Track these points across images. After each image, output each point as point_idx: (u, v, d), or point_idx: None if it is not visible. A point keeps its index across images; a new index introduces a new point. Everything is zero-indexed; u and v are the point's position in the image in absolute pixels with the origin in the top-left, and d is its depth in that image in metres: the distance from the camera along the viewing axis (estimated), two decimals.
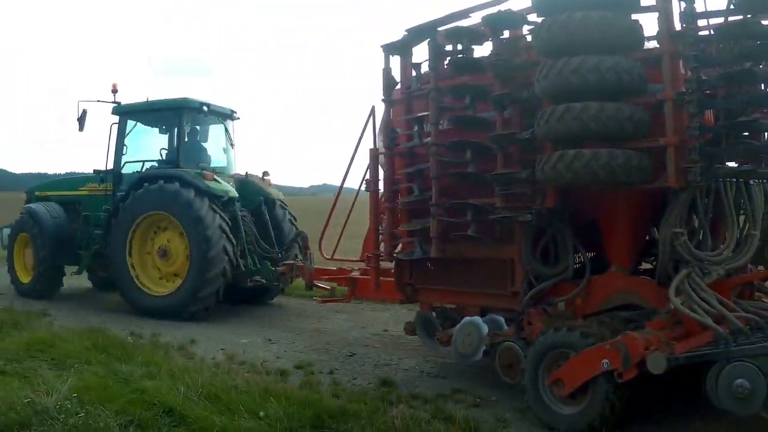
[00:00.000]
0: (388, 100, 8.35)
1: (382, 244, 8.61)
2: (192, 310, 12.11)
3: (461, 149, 7.46)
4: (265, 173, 14.69)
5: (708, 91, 6.56)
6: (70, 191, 15.06)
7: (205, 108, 13.63)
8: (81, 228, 14.24)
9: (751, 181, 6.92)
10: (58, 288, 14.86)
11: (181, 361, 8.42)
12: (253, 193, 13.96)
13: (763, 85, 6.75)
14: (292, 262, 12.31)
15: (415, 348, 9.61)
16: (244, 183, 14.14)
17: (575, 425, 6.38)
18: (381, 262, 8.90)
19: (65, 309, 13.15)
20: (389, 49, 8.22)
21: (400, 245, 8.54)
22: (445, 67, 7.82)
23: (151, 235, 12.99)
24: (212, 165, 14.25)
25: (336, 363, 8.71)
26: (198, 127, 14.26)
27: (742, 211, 7.05)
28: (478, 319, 7.66)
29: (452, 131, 7.65)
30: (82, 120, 14.22)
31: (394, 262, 8.61)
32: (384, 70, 8.29)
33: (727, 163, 6.71)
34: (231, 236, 12.28)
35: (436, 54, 7.74)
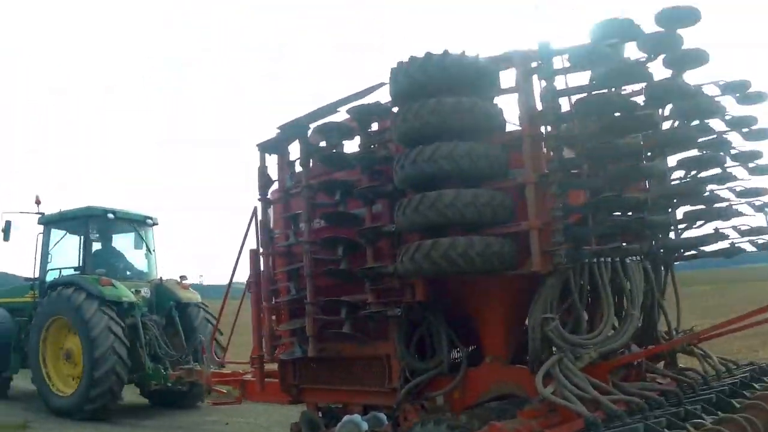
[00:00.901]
0: (264, 199, 7.58)
1: (264, 345, 7.67)
2: (87, 410, 11.64)
3: (333, 246, 6.58)
4: (183, 277, 14.09)
5: (574, 171, 5.83)
6: (16, 298, 14.68)
7: (110, 215, 13.25)
8: (24, 333, 13.74)
9: (629, 260, 6.08)
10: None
11: None
12: (166, 298, 13.37)
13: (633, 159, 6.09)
14: (190, 366, 11.18)
15: None
16: (159, 288, 13.56)
17: None
18: (267, 364, 7.95)
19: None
20: (264, 147, 7.45)
21: (283, 346, 7.60)
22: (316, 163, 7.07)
23: (62, 338, 12.59)
24: (132, 271, 13.93)
25: None
26: (109, 234, 13.98)
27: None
28: (357, 417, 6.58)
29: (325, 229, 6.85)
30: (6, 231, 14.04)
31: (277, 363, 7.69)
32: (259, 168, 7.51)
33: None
34: (124, 339, 11.72)
35: (306, 150, 6.97)
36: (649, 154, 6.30)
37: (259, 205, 7.59)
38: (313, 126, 6.97)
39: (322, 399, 7.40)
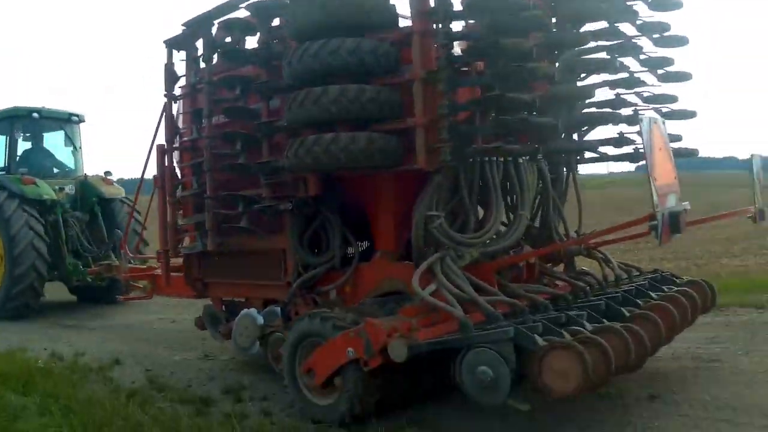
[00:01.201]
0: (170, 95, 7.51)
1: (168, 239, 7.72)
2: (9, 308, 11.65)
3: (232, 140, 6.56)
4: (107, 173, 13.93)
5: (464, 69, 5.81)
6: None
7: (35, 115, 13.10)
8: None
9: (521, 160, 6.03)
10: None
11: (89, 391, 6.67)
12: (90, 194, 13.23)
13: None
14: (109, 261, 11.37)
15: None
16: (83, 184, 13.39)
17: (329, 417, 5.53)
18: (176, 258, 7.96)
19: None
20: (171, 44, 7.34)
21: (188, 240, 7.77)
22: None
23: None
24: (59, 168, 13.88)
25: (275, 387, 6.54)
26: (36, 134, 13.84)
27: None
28: (253, 311, 6.75)
29: (228, 124, 6.81)
30: None
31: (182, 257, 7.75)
32: (166, 65, 7.41)
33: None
34: (44, 236, 11.69)
35: (209, 47, 6.86)
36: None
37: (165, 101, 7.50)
38: (217, 22, 6.86)
39: (225, 293, 7.50)
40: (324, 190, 6.21)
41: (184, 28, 7.10)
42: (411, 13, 5.67)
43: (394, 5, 5.86)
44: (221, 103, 6.78)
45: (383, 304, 5.84)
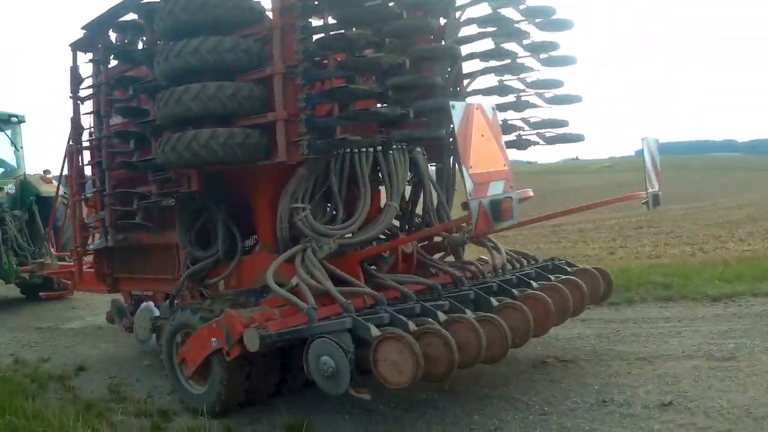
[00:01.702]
0: (75, 96, 7.73)
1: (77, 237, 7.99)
2: None
3: (126, 139, 6.78)
4: (46, 171, 14.08)
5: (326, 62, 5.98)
6: None
7: None
8: None
9: (391, 150, 6.11)
10: None
11: (42, 404, 6.19)
12: (29, 193, 13.39)
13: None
14: (42, 260, 11.56)
15: None
16: (23, 183, 13.57)
17: (203, 405, 5.71)
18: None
19: None
20: (76, 46, 7.51)
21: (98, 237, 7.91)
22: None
23: None
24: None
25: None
26: None
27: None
28: (150, 304, 7.01)
29: (126, 123, 7.00)
30: None
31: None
32: (71, 67, 7.61)
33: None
34: None
35: (105, 48, 7.11)
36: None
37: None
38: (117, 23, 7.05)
39: (132, 287, 7.71)
40: (207, 185, 6.35)
41: (84, 30, 7.27)
42: (272, 8, 5.81)
43: (259, 2, 6.00)
44: (117, 103, 6.96)
45: (257, 294, 5.98)
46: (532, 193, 6.34)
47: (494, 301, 5.70)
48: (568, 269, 6.93)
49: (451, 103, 4.75)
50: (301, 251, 5.59)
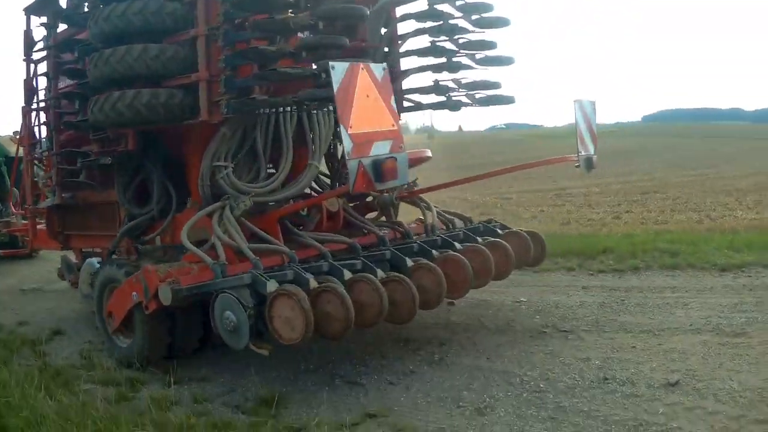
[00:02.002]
0: (28, 59, 7.97)
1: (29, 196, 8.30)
2: None
3: (71, 99, 7.04)
4: (16, 132, 14.11)
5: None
6: None
7: None
8: None
9: (315, 110, 6.22)
10: None
11: (7, 371, 5.93)
12: None
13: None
14: (8, 219, 11.87)
15: None
16: None
17: (128, 357, 6.02)
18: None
19: None
20: (29, 10, 7.74)
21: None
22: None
23: None
24: None
25: (216, 367, 6.08)
26: None
27: None
28: (93, 260, 7.23)
29: (72, 85, 7.13)
30: None
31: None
32: (24, 31, 7.85)
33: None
34: None
35: (54, 12, 7.31)
36: None
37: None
38: None
39: (82, 244, 8.00)
40: (143, 144, 6.54)
41: None
42: None
43: None
44: (64, 65, 7.17)
45: (181, 250, 6.16)
46: (429, 154, 6.37)
47: (409, 262, 5.83)
48: (500, 231, 6.99)
49: (330, 63, 4.83)
50: (219, 208, 5.77)
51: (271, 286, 4.95)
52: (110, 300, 6.10)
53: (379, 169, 4.95)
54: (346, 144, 4.83)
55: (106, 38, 6.05)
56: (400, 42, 7.16)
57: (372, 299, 5.14)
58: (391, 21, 7.18)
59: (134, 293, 5.69)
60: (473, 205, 18.82)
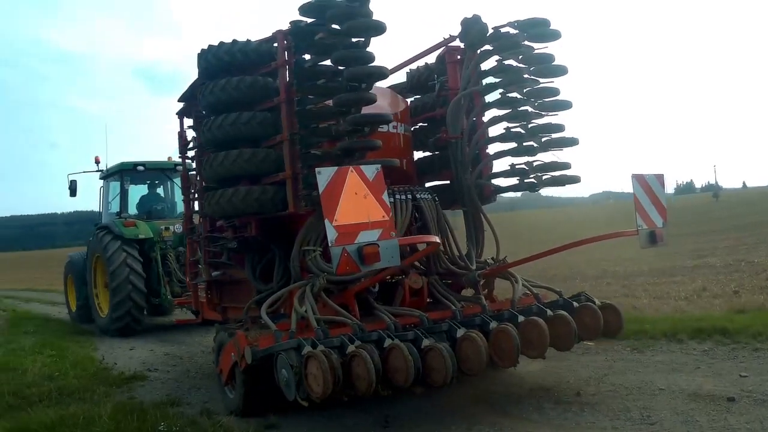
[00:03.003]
0: (182, 156, 9.56)
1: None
2: (113, 328, 14.19)
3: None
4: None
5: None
6: None
7: (140, 168, 15.84)
8: None
9: (392, 199, 7.07)
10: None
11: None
12: None
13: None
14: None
15: None
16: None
17: (233, 408, 7.20)
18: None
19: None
20: (181, 113, 9.26)
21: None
22: None
23: (103, 271, 15.02)
24: (168, 210, 16.52)
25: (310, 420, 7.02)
26: (149, 182, 16.55)
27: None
28: None
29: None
30: (73, 189, 17.29)
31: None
32: (178, 132, 9.38)
33: None
34: (140, 272, 14.06)
35: (197, 115, 8.47)
36: None
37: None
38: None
39: (236, 315, 8.95)
40: (265, 230, 7.63)
41: (181, 103, 9.08)
42: (279, 86, 7.23)
43: (272, 81, 7.36)
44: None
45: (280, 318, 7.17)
46: (435, 239, 6.74)
47: (460, 333, 6.40)
48: (575, 305, 7.20)
49: (317, 169, 5.67)
50: (302, 286, 6.76)
51: (305, 349, 5.81)
52: (220, 359, 7.32)
53: (362, 254, 5.59)
54: (330, 234, 5.55)
55: (215, 143, 7.45)
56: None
57: (401, 364, 5.84)
58: (474, 109, 7.93)
59: (233, 353, 6.86)
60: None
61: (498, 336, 6.41)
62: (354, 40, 6.69)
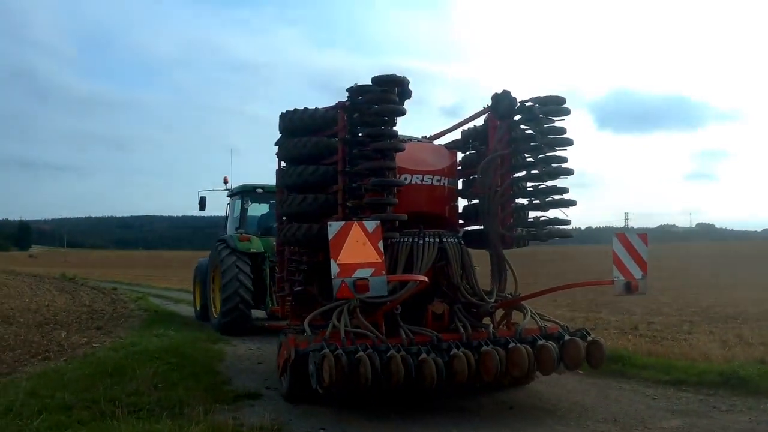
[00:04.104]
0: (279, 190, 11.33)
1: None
2: (224, 323, 16.29)
3: None
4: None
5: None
6: None
7: (259, 190, 18.03)
8: None
9: (421, 241, 9.10)
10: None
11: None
12: None
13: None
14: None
15: None
16: None
17: (284, 393, 9.29)
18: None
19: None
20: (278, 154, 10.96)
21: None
22: None
23: (219, 279, 17.17)
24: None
25: None
26: (266, 202, 18.47)
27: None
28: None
29: None
30: (202, 204, 20.04)
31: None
32: (276, 170, 11.01)
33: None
34: (248, 273, 16.35)
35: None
36: None
37: None
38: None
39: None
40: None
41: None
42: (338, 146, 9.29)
43: (334, 140, 9.41)
44: None
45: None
46: (423, 278, 8.23)
47: (454, 351, 8.13)
48: (567, 338, 8.65)
49: (329, 223, 7.80)
50: (341, 305, 8.68)
51: (324, 351, 7.68)
52: (278, 356, 9.50)
53: (355, 285, 7.55)
54: (333, 269, 7.54)
55: (288, 187, 9.78)
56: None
57: (398, 369, 7.66)
58: (502, 168, 9.68)
59: (286, 352, 8.96)
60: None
61: (485, 356, 8.12)
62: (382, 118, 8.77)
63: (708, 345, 12.49)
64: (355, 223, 7.78)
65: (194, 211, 20.27)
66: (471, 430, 7.90)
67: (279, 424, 7.98)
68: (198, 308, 19.88)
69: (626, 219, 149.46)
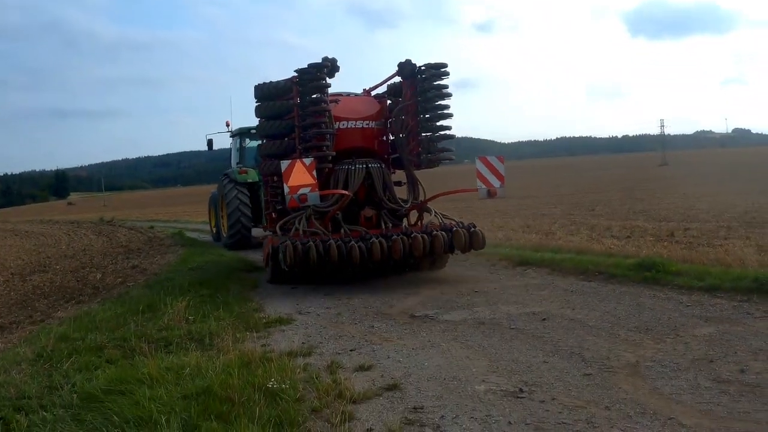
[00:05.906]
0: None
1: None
2: (230, 242, 20.58)
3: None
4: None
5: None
6: None
7: (253, 131, 20.72)
8: None
9: (352, 168, 13.20)
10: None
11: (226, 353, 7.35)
12: None
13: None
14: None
15: None
16: None
17: (268, 278, 13.64)
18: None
19: None
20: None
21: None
22: None
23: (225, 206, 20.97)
24: None
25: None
26: (255, 140, 20.60)
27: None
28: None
29: None
30: (210, 145, 24.18)
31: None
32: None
33: None
34: (247, 202, 20.09)
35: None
36: None
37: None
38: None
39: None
40: None
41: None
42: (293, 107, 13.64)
43: (291, 103, 13.67)
44: None
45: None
46: (346, 193, 12.81)
47: (372, 239, 12.28)
48: (455, 230, 12.69)
49: (281, 162, 12.18)
50: (299, 215, 13.03)
51: (286, 242, 11.96)
52: (262, 251, 13.99)
53: (299, 198, 12.03)
54: (285, 189, 11.92)
55: (263, 136, 14.30)
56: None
57: (334, 252, 11.84)
58: (408, 114, 13.86)
59: (267, 248, 13.40)
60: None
61: (394, 242, 12.32)
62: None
63: (744, 250, 12.53)
64: (298, 160, 12.15)
65: (228, 146, 23.51)
66: (505, 342, 7.85)
67: (308, 348, 7.87)
68: (214, 232, 24.29)
69: (662, 126, 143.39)
